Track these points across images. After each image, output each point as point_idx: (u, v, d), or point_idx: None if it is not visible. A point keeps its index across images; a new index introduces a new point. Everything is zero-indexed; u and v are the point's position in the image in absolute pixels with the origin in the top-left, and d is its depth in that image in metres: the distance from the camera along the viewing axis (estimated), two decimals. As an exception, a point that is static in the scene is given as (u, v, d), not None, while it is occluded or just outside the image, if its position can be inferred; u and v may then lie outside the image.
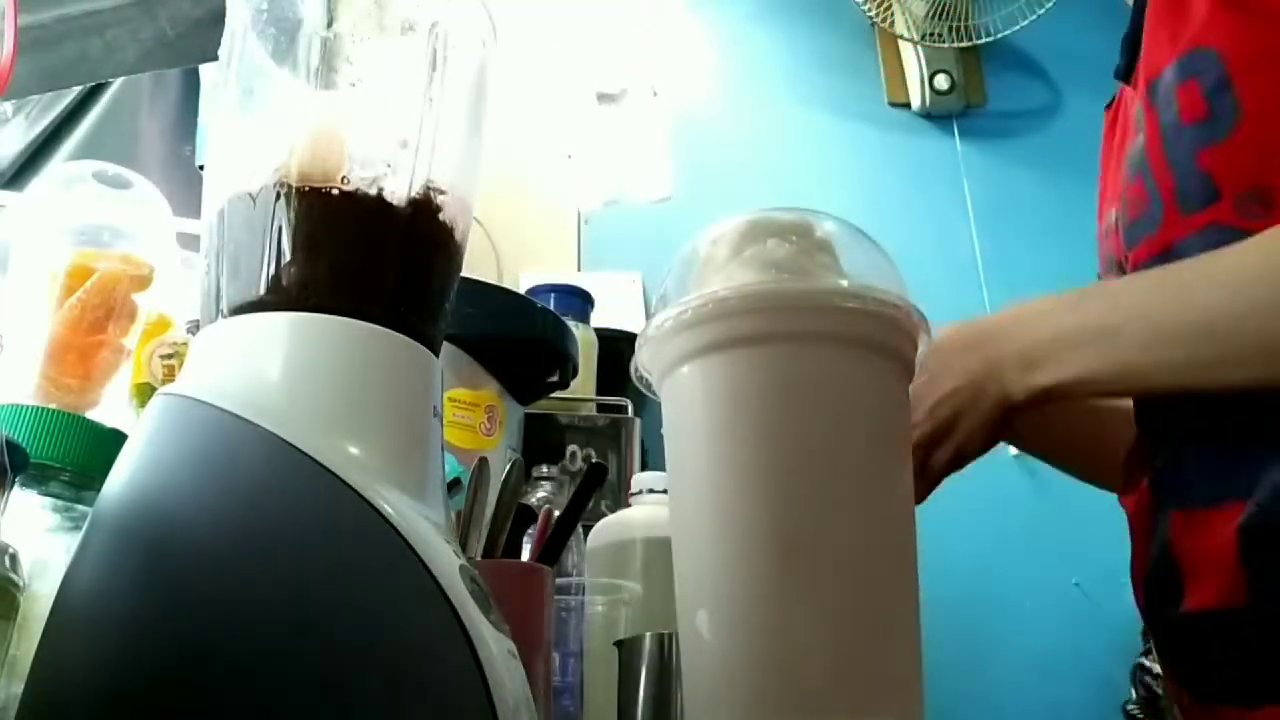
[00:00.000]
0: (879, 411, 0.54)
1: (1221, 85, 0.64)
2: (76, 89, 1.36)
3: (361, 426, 0.43)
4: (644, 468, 1.24)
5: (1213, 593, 0.63)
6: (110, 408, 0.71)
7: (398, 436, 0.45)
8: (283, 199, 0.45)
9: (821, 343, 0.53)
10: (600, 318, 1.57)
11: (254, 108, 0.51)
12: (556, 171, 1.97)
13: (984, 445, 0.70)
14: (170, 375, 0.73)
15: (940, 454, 0.71)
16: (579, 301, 1.54)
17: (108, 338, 0.71)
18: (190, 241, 0.75)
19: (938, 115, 2.20)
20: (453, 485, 0.62)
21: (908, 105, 2.21)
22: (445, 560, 0.41)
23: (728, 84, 2.17)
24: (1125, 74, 0.82)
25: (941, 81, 2.16)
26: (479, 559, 0.62)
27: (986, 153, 2.17)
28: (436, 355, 0.49)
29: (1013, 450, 2.07)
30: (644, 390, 0.59)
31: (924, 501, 0.68)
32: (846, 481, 0.52)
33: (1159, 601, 0.69)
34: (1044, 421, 0.79)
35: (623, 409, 1.34)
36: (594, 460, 1.19)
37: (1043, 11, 2.03)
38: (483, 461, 0.65)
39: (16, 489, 0.47)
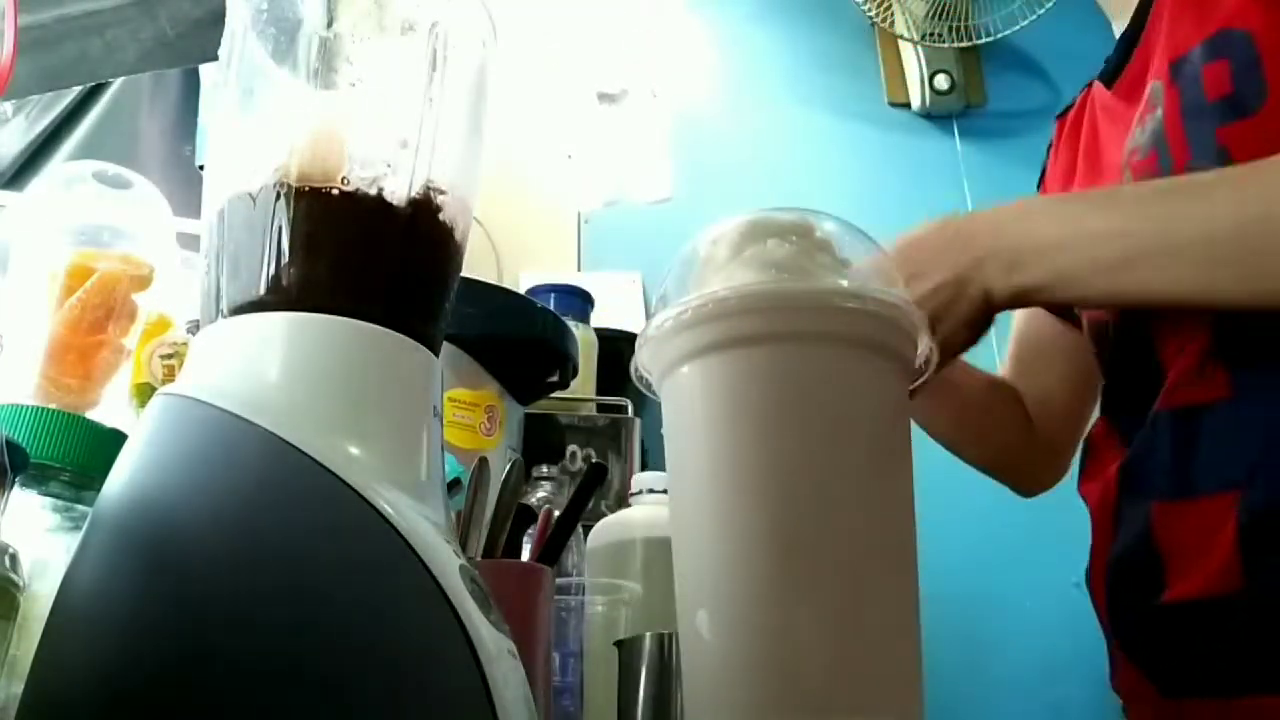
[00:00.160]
0: (879, 411, 0.54)
1: (1251, 65, 0.65)
2: (76, 89, 1.36)
3: (361, 426, 0.43)
4: (644, 468, 1.24)
5: (1201, 581, 0.63)
6: (110, 408, 0.71)
7: (398, 436, 0.45)
8: (283, 199, 0.45)
9: (821, 343, 0.53)
10: (600, 318, 1.57)
11: (254, 108, 0.51)
12: (556, 171, 1.97)
13: (966, 343, 0.69)
14: (170, 375, 0.73)
15: None
16: (579, 301, 1.54)
17: (108, 338, 0.71)
18: (190, 241, 0.75)
19: (938, 115, 2.20)
20: (453, 485, 0.62)
21: (908, 105, 2.21)
22: (445, 560, 0.41)
23: (728, 84, 2.17)
24: (1113, 74, 0.83)
25: (941, 81, 2.16)
26: (479, 559, 0.62)
27: (986, 153, 2.17)
28: (436, 355, 0.49)
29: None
30: (644, 390, 0.59)
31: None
32: (846, 481, 0.52)
33: (1132, 593, 0.69)
34: (937, 403, 0.82)
35: (623, 409, 1.33)
36: (594, 460, 1.19)
37: (1043, 11, 2.03)
38: (483, 461, 0.65)
39: (16, 489, 0.47)
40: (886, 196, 2.06)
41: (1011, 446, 0.92)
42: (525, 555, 0.68)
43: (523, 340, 1.05)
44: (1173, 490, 0.66)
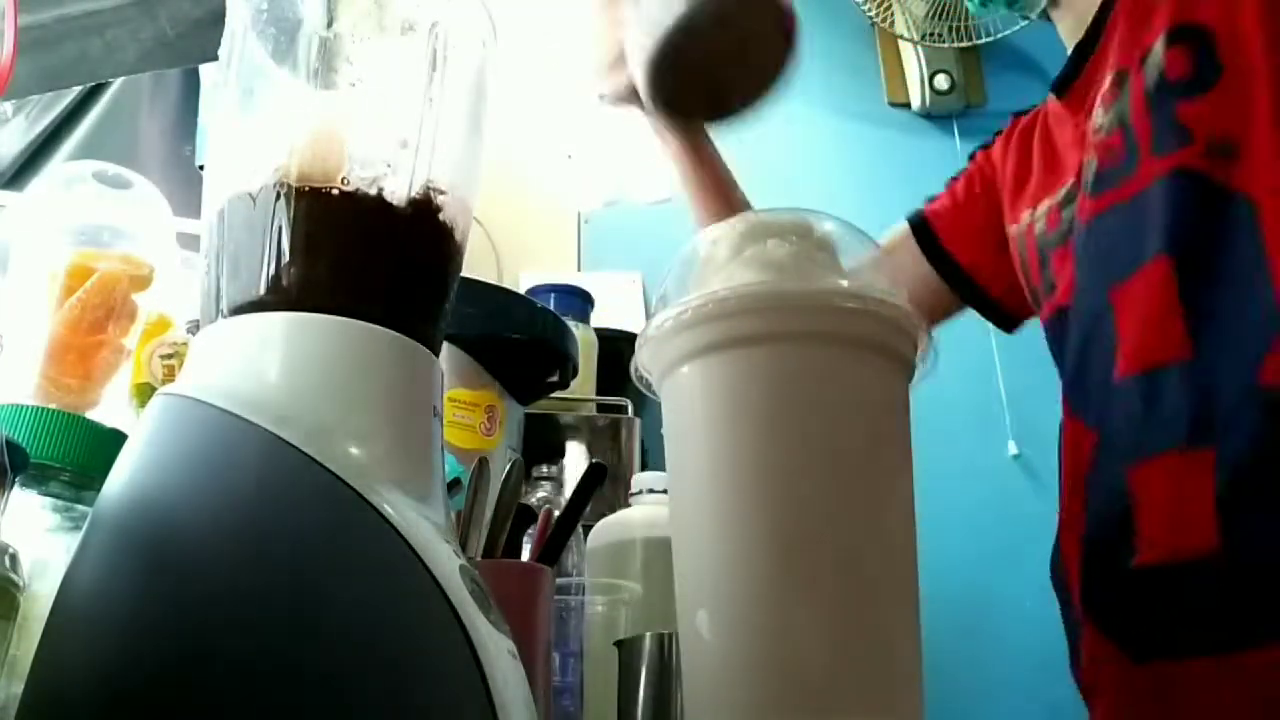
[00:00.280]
0: (879, 411, 0.55)
1: (1207, 49, 0.72)
2: (76, 89, 1.36)
3: (361, 426, 0.43)
4: (644, 468, 1.25)
5: (1176, 541, 0.64)
6: (110, 408, 0.71)
7: (398, 436, 0.45)
8: (283, 199, 0.45)
9: (821, 343, 0.53)
10: (600, 318, 1.57)
11: (254, 108, 0.51)
12: (556, 171, 1.97)
13: None
14: (170, 375, 0.73)
15: None
16: (579, 301, 1.54)
17: (108, 338, 0.71)
18: (190, 241, 0.75)
19: (938, 115, 2.20)
20: (453, 485, 0.62)
21: (908, 105, 2.21)
22: (445, 560, 0.41)
23: (728, 84, 2.17)
24: (1064, 83, 0.88)
25: (941, 81, 2.16)
26: (479, 559, 0.62)
27: (986, 153, 2.17)
28: (436, 355, 0.49)
29: (1012, 450, 2.07)
30: (644, 390, 0.59)
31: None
32: (846, 481, 0.52)
33: (1106, 560, 0.70)
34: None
35: (623, 409, 1.34)
36: (594, 460, 1.19)
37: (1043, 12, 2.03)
38: (483, 461, 0.65)
39: (16, 489, 0.47)
40: (886, 196, 2.05)
41: None
42: (525, 555, 0.68)
43: (523, 340, 1.05)
44: (1143, 450, 0.68)
